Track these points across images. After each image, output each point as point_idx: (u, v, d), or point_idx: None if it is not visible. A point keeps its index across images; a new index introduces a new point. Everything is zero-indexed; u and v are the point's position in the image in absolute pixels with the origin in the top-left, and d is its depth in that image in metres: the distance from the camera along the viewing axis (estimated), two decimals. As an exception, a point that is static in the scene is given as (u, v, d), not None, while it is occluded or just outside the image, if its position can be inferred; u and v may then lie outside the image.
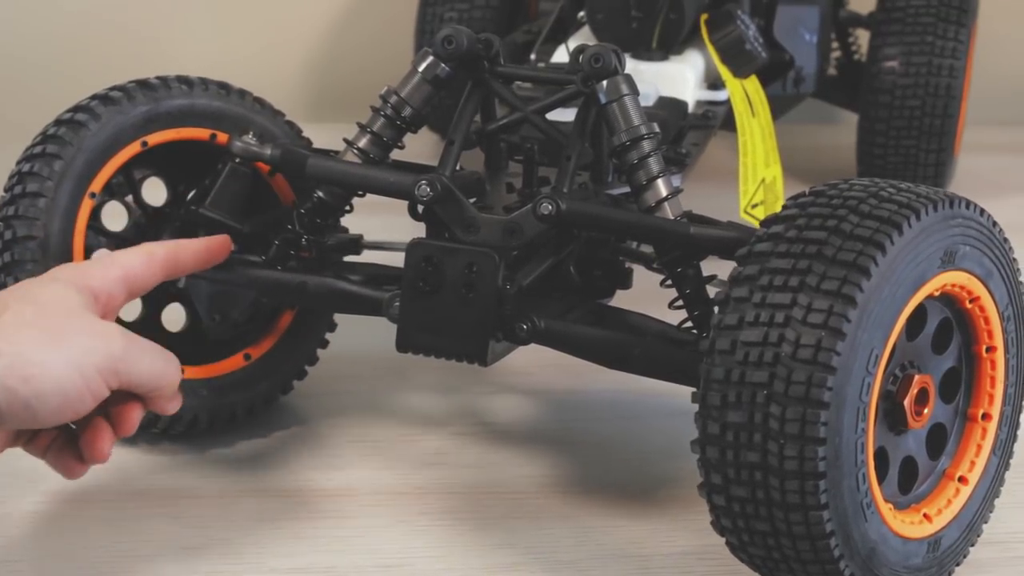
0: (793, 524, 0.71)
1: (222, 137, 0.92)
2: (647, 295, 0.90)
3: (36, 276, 0.85)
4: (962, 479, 0.80)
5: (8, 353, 0.69)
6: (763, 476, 0.70)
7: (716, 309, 0.72)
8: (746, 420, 0.70)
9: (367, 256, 0.96)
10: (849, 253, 0.70)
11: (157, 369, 0.76)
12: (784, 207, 0.74)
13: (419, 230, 0.88)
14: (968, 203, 0.76)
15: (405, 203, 0.88)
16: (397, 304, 0.85)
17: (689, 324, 0.85)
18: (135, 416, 0.77)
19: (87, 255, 0.89)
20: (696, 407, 0.72)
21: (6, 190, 0.88)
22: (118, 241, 0.92)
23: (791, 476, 0.69)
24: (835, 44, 1.51)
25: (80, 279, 0.77)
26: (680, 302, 0.85)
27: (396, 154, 0.91)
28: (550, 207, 0.82)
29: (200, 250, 0.86)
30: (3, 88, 1.69)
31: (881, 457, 0.76)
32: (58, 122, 0.89)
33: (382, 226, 0.98)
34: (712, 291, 0.85)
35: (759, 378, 0.70)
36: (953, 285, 0.76)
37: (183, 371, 0.79)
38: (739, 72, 1.21)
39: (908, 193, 0.74)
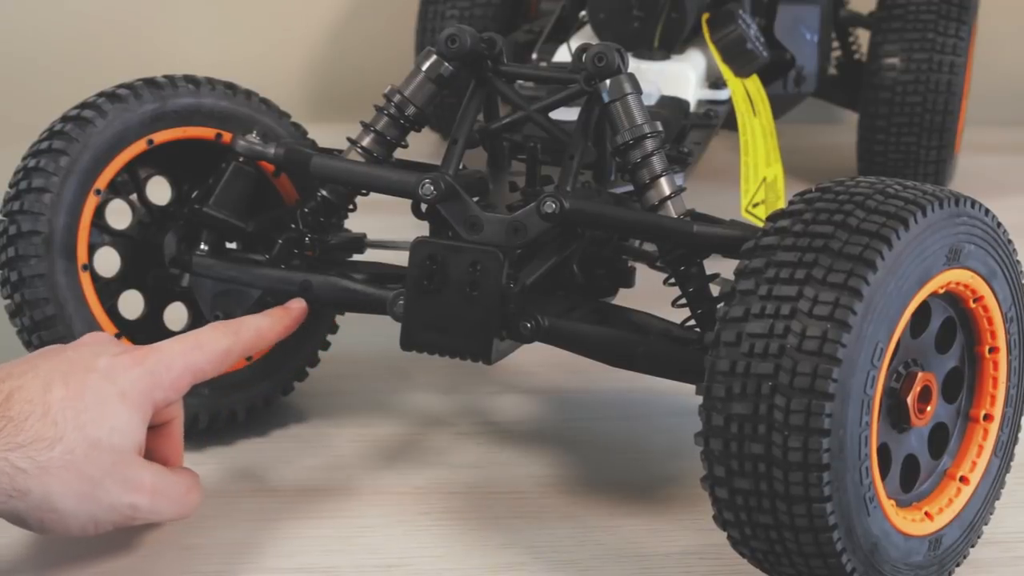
0: (796, 517, 0.71)
1: (227, 137, 0.92)
2: (650, 294, 0.89)
3: (41, 273, 0.86)
4: (963, 479, 0.80)
5: (37, 493, 0.73)
6: (767, 468, 0.70)
7: (721, 303, 0.72)
8: (751, 411, 0.70)
9: (370, 255, 0.96)
10: (855, 247, 0.70)
11: (175, 513, 0.80)
12: (790, 203, 0.74)
13: (422, 229, 0.88)
14: (974, 202, 0.76)
15: (408, 202, 0.88)
16: (401, 302, 0.85)
17: (692, 323, 0.85)
18: None
19: (91, 252, 0.89)
20: (700, 401, 0.72)
21: (11, 185, 0.88)
22: (122, 239, 0.93)
23: (795, 468, 0.69)
24: (835, 44, 1.52)
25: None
26: (683, 300, 0.85)
27: (399, 153, 0.91)
28: (554, 205, 0.82)
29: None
30: (5, 88, 1.69)
31: (884, 454, 0.76)
32: (65, 118, 0.89)
33: (385, 225, 0.98)
34: (715, 290, 0.85)
35: (764, 369, 0.69)
36: (957, 283, 0.76)
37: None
38: (740, 71, 1.21)
39: (914, 190, 0.74)
